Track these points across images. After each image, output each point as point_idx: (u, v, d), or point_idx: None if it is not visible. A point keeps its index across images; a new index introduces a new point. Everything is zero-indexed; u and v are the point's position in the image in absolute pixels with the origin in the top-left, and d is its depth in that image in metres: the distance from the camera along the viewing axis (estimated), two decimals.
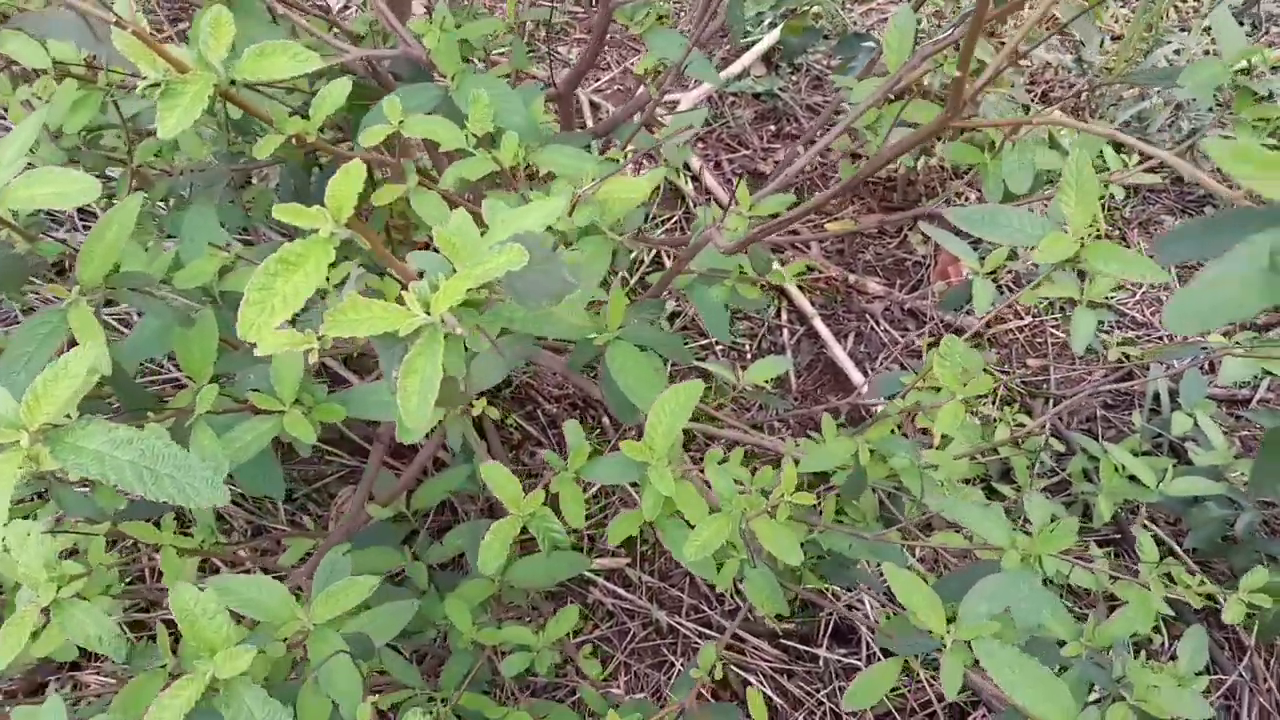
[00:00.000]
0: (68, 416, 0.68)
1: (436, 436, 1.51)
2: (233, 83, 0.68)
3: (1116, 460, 1.55)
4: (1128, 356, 1.58)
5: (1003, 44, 2.05)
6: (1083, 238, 0.86)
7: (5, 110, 1.20)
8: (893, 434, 1.22)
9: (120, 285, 0.90)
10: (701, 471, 0.91)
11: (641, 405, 1.11)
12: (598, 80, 2.51)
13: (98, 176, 1.52)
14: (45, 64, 0.78)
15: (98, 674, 1.54)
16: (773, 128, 2.47)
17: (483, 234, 0.70)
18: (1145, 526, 1.74)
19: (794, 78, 2.54)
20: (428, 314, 0.52)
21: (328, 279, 0.92)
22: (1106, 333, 2.00)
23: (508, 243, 0.57)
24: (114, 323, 1.87)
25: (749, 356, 2.09)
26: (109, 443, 0.65)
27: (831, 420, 1.40)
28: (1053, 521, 1.15)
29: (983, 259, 1.37)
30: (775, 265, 1.97)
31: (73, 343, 0.89)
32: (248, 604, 0.76)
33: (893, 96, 0.99)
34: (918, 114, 1.07)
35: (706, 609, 1.77)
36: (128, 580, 1.60)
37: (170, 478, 0.65)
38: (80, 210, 1.98)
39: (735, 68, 2.47)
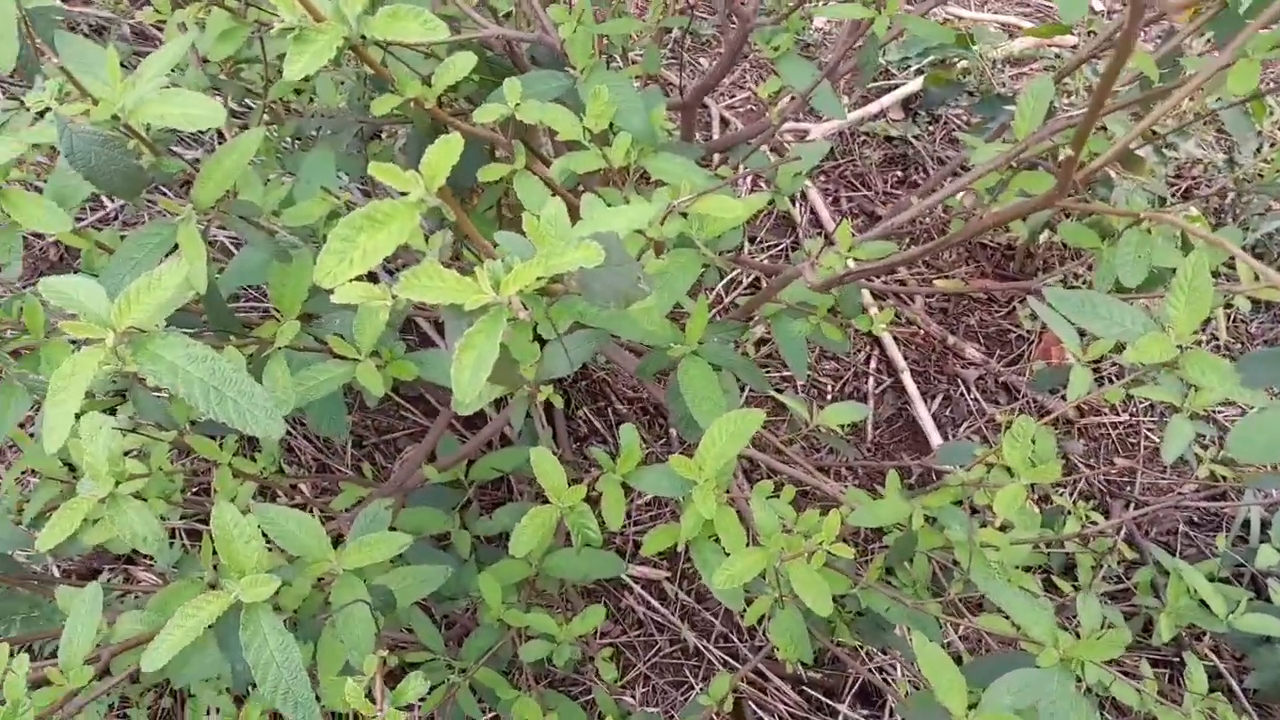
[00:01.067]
0: (157, 326, 0.72)
1: (507, 412, 1.54)
2: (363, 38, 0.70)
3: (1189, 582, 1.48)
4: (1221, 477, 1.51)
5: (1153, 132, 1.98)
6: (1184, 343, 0.83)
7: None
8: (957, 505, 1.19)
9: (231, 211, 0.94)
10: (749, 501, 0.90)
11: (703, 423, 1.10)
12: (733, 96, 2.51)
13: (236, 106, 1.58)
14: None
15: (149, 571, 1.62)
16: (899, 173, 2.43)
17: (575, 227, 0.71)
18: (1205, 657, 1.65)
19: (930, 128, 2.50)
20: (496, 293, 0.53)
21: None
22: (1204, 446, 1.90)
23: (587, 239, 0.57)
24: (230, 245, 1.96)
25: (829, 397, 2.07)
26: (185, 357, 0.68)
27: (897, 478, 1.37)
28: (1104, 627, 1.10)
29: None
30: (873, 312, 1.94)
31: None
32: (284, 536, 0.78)
33: (1016, 164, 0.97)
34: (1037, 185, 1.04)
35: (736, 639, 1.76)
36: (194, 491, 1.67)
37: (233, 401, 0.68)
38: (221, 134, 2.08)
39: (872, 107, 2.44)
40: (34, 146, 0.81)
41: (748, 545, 0.88)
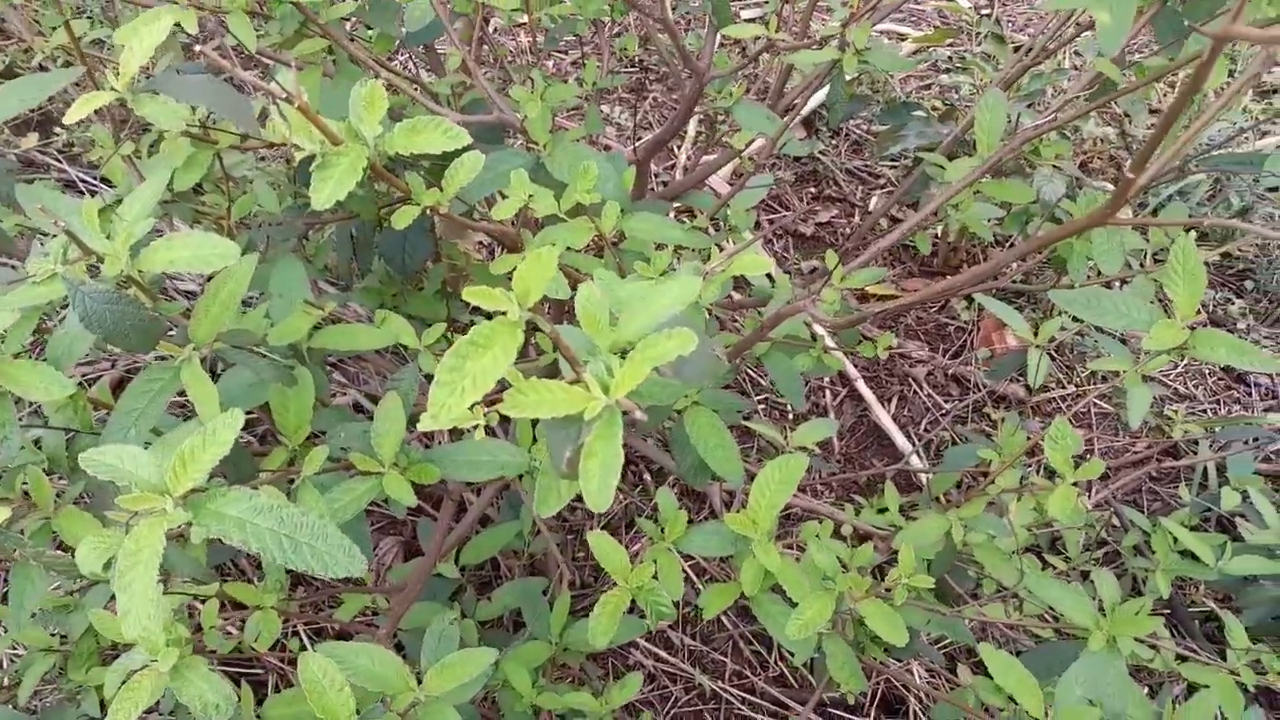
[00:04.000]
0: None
1: (489, 491, 1.51)
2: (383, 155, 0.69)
3: (1172, 532, 1.55)
4: (1185, 432, 1.58)
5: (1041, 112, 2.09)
6: (1188, 324, 0.87)
7: (98, 162, 1.22)
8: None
9: (227, 341, 0.90)
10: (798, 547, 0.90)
11: (720, 470, 1.10)
12: (648, 135, 2.54)
13: (186, 228, 1.52)
14: (180, 127, 0.79)
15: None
16: (813, 189, 2.50)
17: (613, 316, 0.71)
18: (1201, 604, 1.73)
19: (833, 141, 2.57)
20: (607, 396, 0.53)
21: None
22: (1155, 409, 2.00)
23: (673, 327, 0.57)
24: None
25: (791, 416, 2.10)
26: (250, 510, 0.64)
27: (895, 491, 1.40)
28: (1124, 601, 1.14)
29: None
30: (827, 338, 1.97)
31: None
32: (360, 673, 0.75)
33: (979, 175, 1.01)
34: (1004, 193, 1.09)
35: (750, 675, 1.75)
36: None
37: (309, 546, 0.65)
38: None
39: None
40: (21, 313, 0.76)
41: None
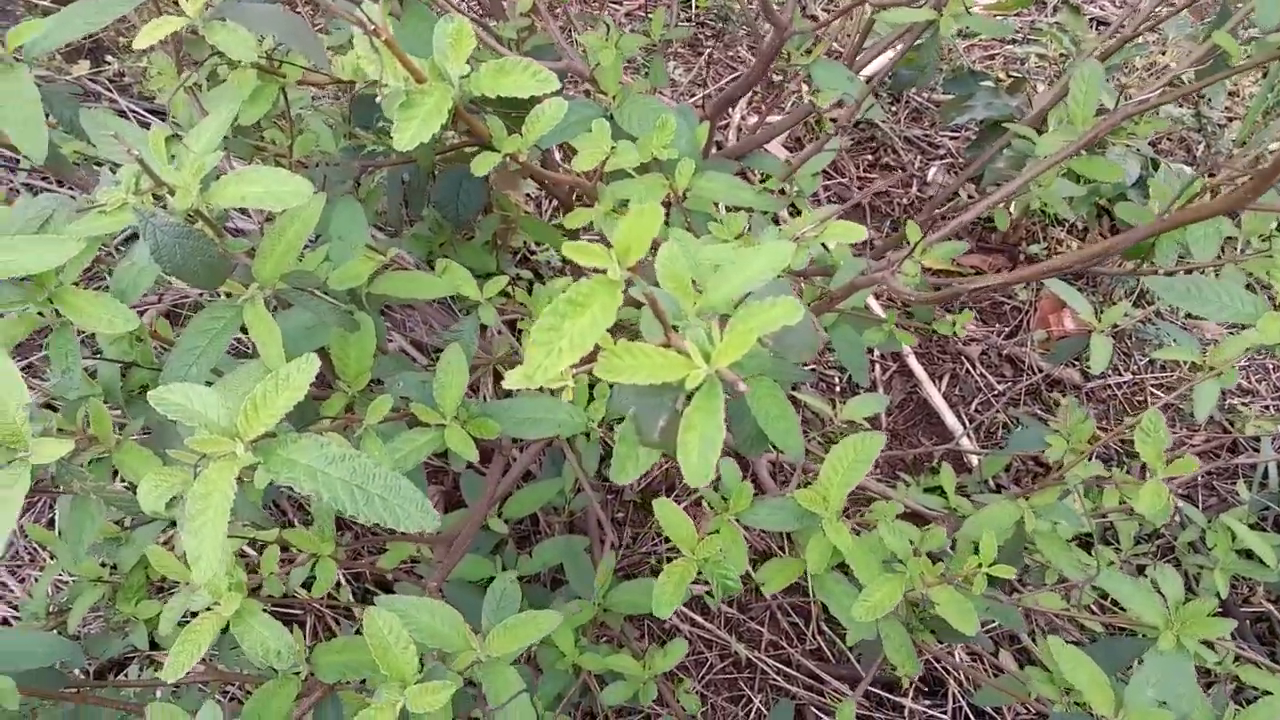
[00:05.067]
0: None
1: (535, 447, 1.49)
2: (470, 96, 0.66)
3: (1235, 531, 1.50)
4: (1254, 439, 1.53)
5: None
6: None
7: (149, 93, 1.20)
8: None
9: (290, 282, 0.88)
10: (863, 528, 0.88)
11: (780, 442, 1.08)
12: (703, 93, 2.49)
13: (244, 164, 1.50)
14: (252, 57, 0.76)
15: None
16: (870, 157, 2.44)
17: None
18: (1260, 605, 1.69)
19: (893, 108, 2.51)
20: (708, 365, 0.50)
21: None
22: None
23: (767, 295, 0.54)
24: None
25: (838, 389, 2.06)
26: (322, 458, 0.62)
27: (951, 472, 1.37)
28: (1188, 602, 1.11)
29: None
30: (877, 308, 1.92)
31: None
32: (421, 629, 0.73)
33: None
34: (1094, 170, 1.04)
35: (787, 646, 1.74)
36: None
37: (381, 498, 0.63)
38: None
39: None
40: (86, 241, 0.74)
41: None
